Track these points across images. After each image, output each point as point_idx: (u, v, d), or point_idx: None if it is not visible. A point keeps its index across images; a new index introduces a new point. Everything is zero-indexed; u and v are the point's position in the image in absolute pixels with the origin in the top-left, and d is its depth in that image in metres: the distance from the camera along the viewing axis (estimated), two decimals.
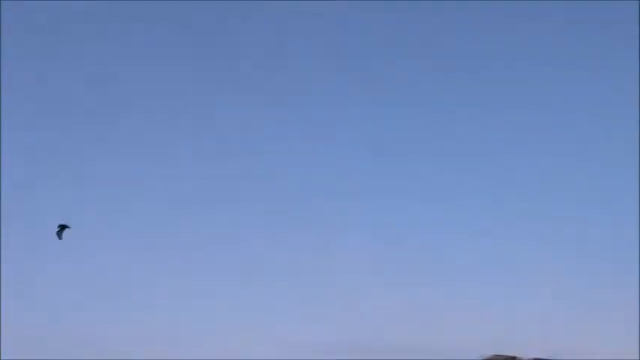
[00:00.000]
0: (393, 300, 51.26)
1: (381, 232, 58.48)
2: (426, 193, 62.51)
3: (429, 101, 65.91)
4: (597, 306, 49.69)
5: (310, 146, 65.01)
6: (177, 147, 64.23)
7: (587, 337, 46.50)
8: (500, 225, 58.79)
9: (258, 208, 60.63)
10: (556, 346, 45.24)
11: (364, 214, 59.72)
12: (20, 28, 63.64)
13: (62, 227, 39.03)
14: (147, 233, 58.81)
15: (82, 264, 53.43)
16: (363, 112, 65.70)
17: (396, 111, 66.11)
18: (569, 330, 47.95)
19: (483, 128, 63.27)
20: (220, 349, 46.92)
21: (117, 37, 68.20)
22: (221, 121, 65.96)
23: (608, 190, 58.58)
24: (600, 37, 64.22)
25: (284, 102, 66.93)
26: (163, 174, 62.41)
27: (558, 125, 62.58)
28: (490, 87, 63.76)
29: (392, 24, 66.28)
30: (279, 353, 46.20)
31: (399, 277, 53.76)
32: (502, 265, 54.57)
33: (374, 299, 51.46)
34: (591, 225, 55.91)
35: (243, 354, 46.76)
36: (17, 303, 47.89)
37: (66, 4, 63.83)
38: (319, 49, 68.47)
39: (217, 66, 68.64)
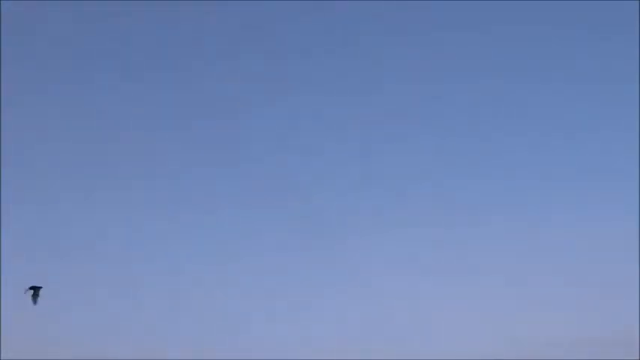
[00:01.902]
0: None
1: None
2: None
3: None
4: (596, 305, 49.93)
5: None
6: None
7: (586, 336, 46.72)
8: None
9: None
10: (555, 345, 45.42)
11: None
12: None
13: (35, 290, 32.01)
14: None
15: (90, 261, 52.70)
16: None
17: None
18: (567, 328, 48.16)
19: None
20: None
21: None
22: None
23: (608, 189, 58.88)
24: (600, 37, 64.63)
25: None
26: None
27: (556, 127, 62.98)
28: (491, 78, 63.84)
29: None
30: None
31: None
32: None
33: None
34: (591, 222, 56.15)
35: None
36: (17, 302, 47.97)
37: None
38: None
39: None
